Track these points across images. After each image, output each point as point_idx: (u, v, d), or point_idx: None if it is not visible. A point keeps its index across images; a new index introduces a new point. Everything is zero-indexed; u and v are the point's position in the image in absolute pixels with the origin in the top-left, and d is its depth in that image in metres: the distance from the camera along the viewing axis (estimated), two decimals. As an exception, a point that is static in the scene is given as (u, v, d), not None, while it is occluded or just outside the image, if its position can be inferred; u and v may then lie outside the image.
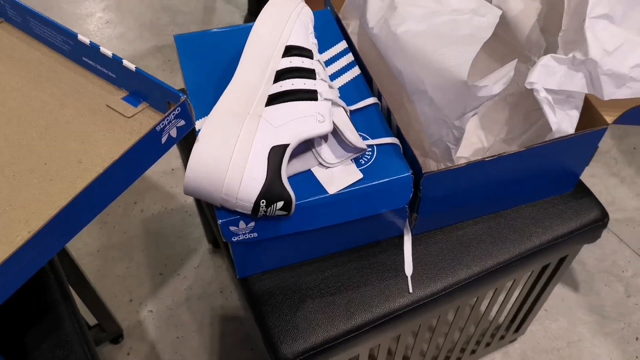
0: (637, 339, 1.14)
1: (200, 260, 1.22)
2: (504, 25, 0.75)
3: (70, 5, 1.83)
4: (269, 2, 0.66)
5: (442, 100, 0.63)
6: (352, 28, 0.80)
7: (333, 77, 0.71)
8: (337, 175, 0.62)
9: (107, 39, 1.72)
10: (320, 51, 0.73)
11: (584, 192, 0.79)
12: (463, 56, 0.60)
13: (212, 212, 0.76)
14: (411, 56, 0.64)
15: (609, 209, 1.28)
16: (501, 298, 0.93)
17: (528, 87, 0.63)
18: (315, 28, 0.75)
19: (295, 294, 0.68)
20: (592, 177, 1.36)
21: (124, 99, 0.54)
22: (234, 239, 0.61)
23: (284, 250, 0.67)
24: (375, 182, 0.61)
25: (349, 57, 0.73)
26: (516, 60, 0.63)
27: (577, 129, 0.68)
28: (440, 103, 0.63)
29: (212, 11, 1.82)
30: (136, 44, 1.70)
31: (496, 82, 0.59)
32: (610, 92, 0.66)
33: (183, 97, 0.50)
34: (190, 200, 1.32)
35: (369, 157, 0.64)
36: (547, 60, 0.63)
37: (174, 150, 1.40)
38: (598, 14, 0.63)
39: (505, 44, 0.79)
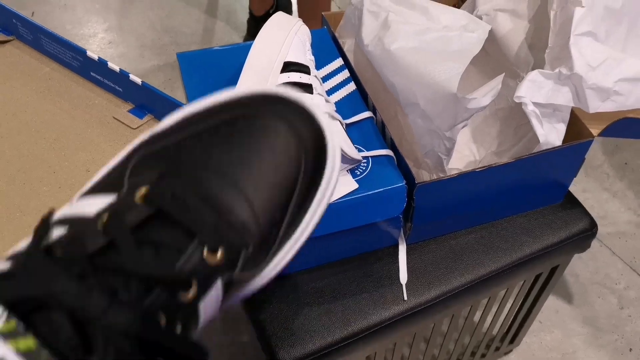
0: (630, 350, 1.16)
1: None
2: (494, 43, 0.79)
3: (73, 26, 1.87)
4: (267, 21, 0.69)
5: (433, 112, 0.65)
6: (347, 46, 0.83)
7: (330, 92, 0.74)
8: (334, 185, 0.64)
9: (110, 58, 1.75)
10: (318, 68, 0.76)
11: (573, 203, 0.82)
12: (453, 70, 0.63)
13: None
14: (404, 71, 0.67)
15: (601, 222, 1.31)
16: (495, 309, 0.95)
17: (516, 100, 0.66)
18: (313, 46, 0.78)
19: (293, 302, 0.70)
20: (585, 191, 1.39)
21: (130, 111, 0.57)
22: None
23: (282, 258, 0.69)
24: (370, 192, 0.64)
25: (345, 74, 0.76)
26: (503, 74, 0.66)
27: (564, 142, 0.70)
28: (432, 115, 0.66)
29: (212, 32, 1.86)
30: (137, 63, 1.74)
31: (485, 94, 0.62)
32: (595, 105, 0.68)
33: (187, 109, 0.53)
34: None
35: (364, 168, 0.66)
36: (534, 75, 0.66)
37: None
38: (582, 32, 0.66)
39: (495, 60, 0.82)
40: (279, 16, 0.70)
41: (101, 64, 0.57)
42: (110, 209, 0.28)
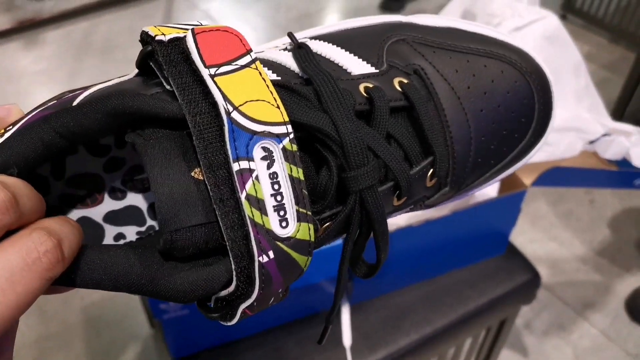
0: (589, 402, 1.14)
1: (143, 346, 1.18)
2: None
3: (17, 97, 1.85)
4: None
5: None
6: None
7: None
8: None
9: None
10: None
11: (515, 254, 0.81)
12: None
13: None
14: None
15: (550, 272, 1.31)
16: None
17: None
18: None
19: (232, 372, 0.66)
20: (532, 242, 1.40)
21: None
22: (165, 317, 0.60)
23: (219, 326, 0.66)
24: (307, 252, 0.62)
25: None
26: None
27: (500, 193, 0.71)
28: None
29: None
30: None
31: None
32: (526, 156, 0.69)
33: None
34: (134, 284, 1.29)
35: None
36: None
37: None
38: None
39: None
40: None
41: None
42: (374, 79, 0.28)
